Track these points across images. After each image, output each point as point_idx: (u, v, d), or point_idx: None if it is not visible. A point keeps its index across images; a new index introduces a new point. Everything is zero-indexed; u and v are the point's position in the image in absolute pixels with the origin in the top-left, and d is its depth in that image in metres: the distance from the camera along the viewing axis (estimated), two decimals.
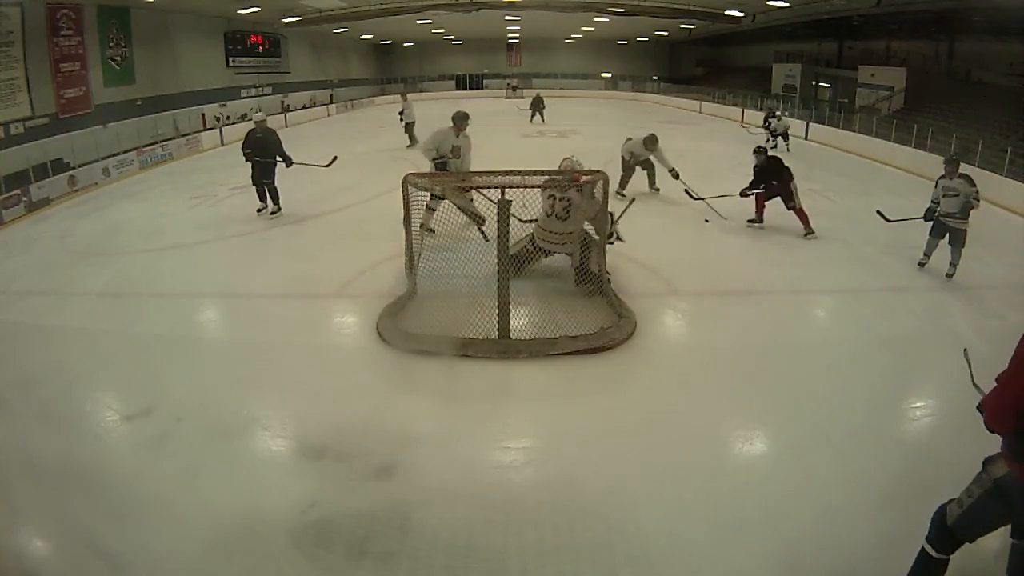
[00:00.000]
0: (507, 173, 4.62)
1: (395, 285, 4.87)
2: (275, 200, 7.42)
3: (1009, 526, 2.11)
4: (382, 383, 3.65)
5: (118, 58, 14.47)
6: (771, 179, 6.71)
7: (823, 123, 15.46)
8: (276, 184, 7.41)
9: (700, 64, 31.06)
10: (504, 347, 3.91)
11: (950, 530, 2.15)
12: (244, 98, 20.69)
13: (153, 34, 15.62)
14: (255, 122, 7.56)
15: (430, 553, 2.36)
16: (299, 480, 2.82)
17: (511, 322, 3.98)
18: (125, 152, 12.16)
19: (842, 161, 12.40)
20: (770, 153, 7.04)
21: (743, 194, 6.74)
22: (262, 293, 5.15)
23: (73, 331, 4.50)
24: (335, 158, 7.92)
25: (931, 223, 5.52)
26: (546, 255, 5.00)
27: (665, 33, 28.77)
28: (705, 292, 4.92)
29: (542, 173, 4.94)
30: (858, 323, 4.50)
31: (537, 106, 17.69)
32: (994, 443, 2.99)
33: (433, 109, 24.78)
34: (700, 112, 22.29)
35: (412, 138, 13.22)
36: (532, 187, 4.56)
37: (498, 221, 3.91)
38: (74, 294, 5.18)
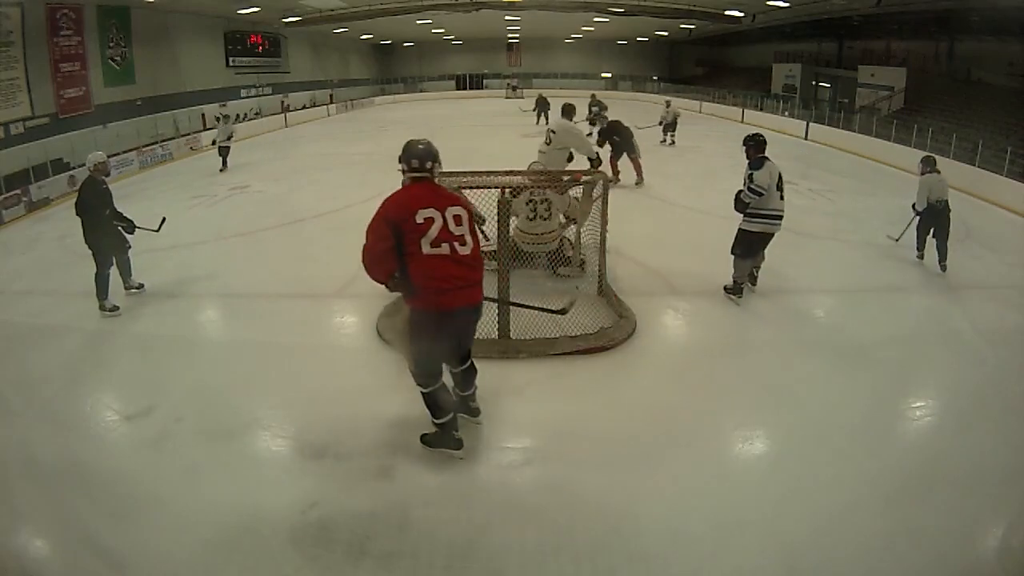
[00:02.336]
0: (507, 173, 4.64)
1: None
2: (127, 274, 5.09)
3: None
4: (382, 383, 3.64)
5: (118, 58, 14.48)
6: (612, 136, 7.89)
7: (823, 123, 15.46)
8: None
9: (700, 64, 31.09)
10: (504, 347, 3.91)
11: (416, 373, 2.69)
12: (244, 98, 20.71)
13: (153, 34, 15.64)
14: (95, 166, 4.81)
15: (430, 553, 2.36)
16: (299, 480, 2.82)
17: (511, 322, 3.98)
18: (125, 152, 12.17)
19: (842, 161, 12.40)
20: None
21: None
22: (262, 293, 5.15)
23: (73, 331, 4.50)
24: (164, 220, 5.50)
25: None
26: (529, 259, 5.01)
27: (665, 33, 28.80)
28: (705, 292, 4.92)
29: (542, 173, 4.96)
30: (858, 323, 4.49)
31: (543, 107, 17.57)
32: (996, 446, 3.01)
33: (433, 109, 24.87)
34: (700, 112, 22.29)
35: (225, 162, 11.32)
36: (533, 187, 4.57)
37: (498, 221, 3.91)
38: (74, 294, 5.18)
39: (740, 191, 4.48)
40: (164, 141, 13.72)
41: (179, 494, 2.71)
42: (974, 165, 9.69)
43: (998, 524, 2.54)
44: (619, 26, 25.21)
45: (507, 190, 3.96)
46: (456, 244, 2.52)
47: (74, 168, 10.76)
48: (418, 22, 24.31)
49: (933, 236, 5.50)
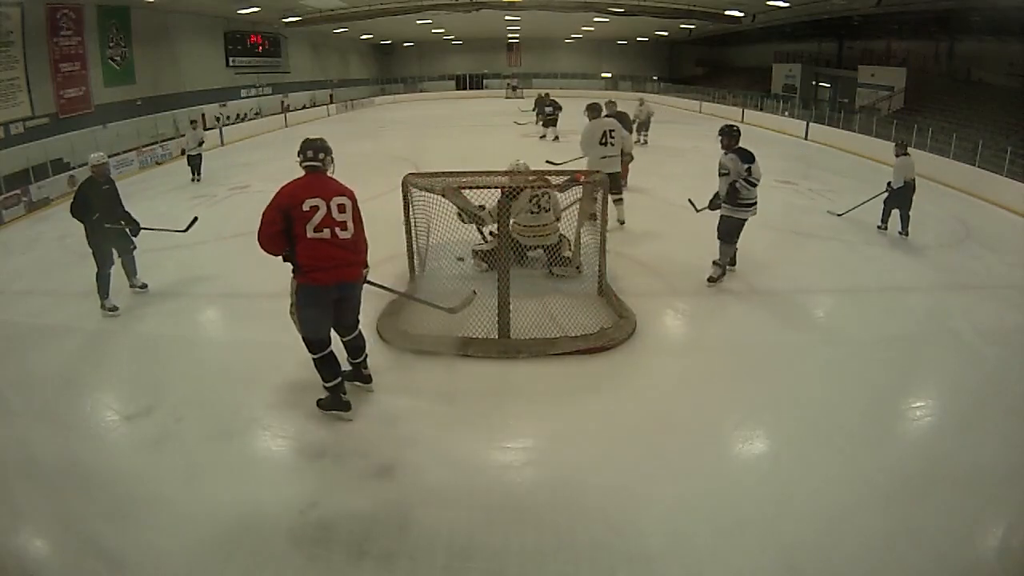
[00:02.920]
0: (507, 173, 4.64)
1: (395, 285, 4.86)
2: (132, 272, 5.13)
3: None
4: (382, 383, 3.64)
5: (118, 58, 14.48)
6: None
7: (823, 123, 15.46)
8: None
9: (700, 64, 31.09)
10: (504, 347, 3.91)
11: (305, 339, 3.11)
12: (244, 98, 20.71)
13: (153, 34, 15.64)
14: (93, 167, 4.84)
15: (430, 553, 2.36)
16: (299, 480, 2.82)
17: (511, 322, 3.98)
18: (125, 152, 12.18)
19: (842, 161, 12.40)
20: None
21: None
22: (262, 293, 5.13)
23: (73, 331, 4.50)
24: (195, 219, 5.45)
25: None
26: (526, 253, 5.03)
27: (665, 33, 28.80)
28: (705, 292, 4.92)
29: (542, 173, 4.96)
30: (858, 323, 4.49)
31: (542, 106, 17.44)
32: (996, 446, 3.01)
33: (433, 109, 24.86)
34: (700, 112, 22.30)
35: (196, 170, 10.58)
36: (533, 187, 4.57)
37: (498, 221, 3.91)
38: (74, 294, 5.18)
39: (735, 182, 4.66)
40: (164, 141, 13.72)
41: (179, 494, 2.71)
42: (974, 165, 9.68)
43: (998, 524, 2.54)
44: (619, 26, 25.21)
45: (506, 190, 3.96)
46: (337, 229, 2.94)
47: (74, 168, 10.78)
48: (418, 22, 24.30)
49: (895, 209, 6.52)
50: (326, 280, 2.96)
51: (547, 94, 15.07)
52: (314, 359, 3.10)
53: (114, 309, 4.76)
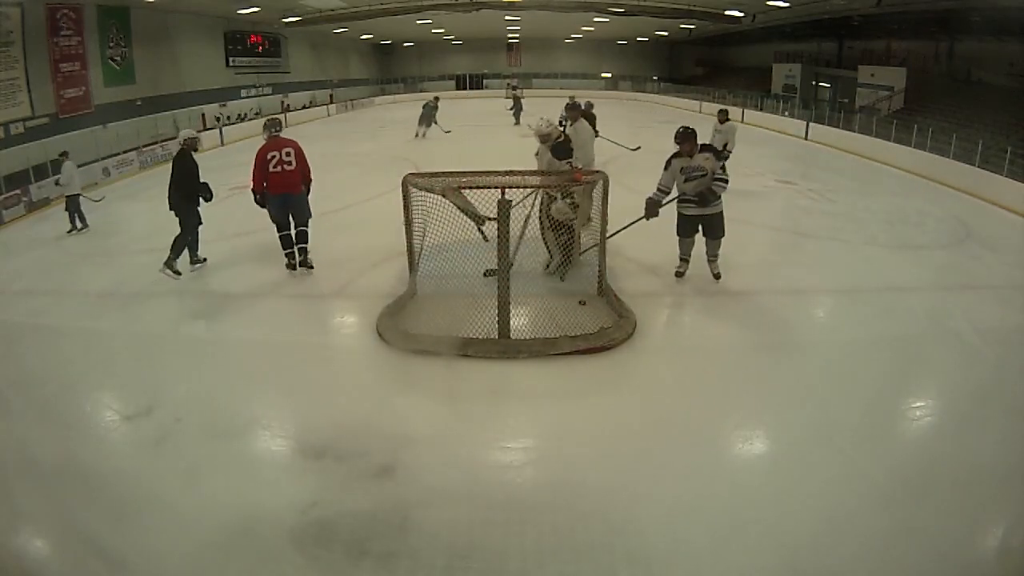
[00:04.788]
0: (507, 173, 4.63)
1: (395, 285, 4.87)
2: (195, 248, 5.66)
3: None
4: (382, 383, 3.65)
5: (118, 58, 14.48)
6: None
7: (823, 123, 15.43)
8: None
9: (700, 64, 31.06)
10: (504, 347, 3.90)
11: (273, 222, 5.40)
12: (244, 98, 20.70)
13: (153, 34, 15.63)
14: (186, 140, 5.55)
15: (430, 553, 2.36)
16: (299, 480, 2.82)
17: (511, 322, 3.98)
18: (125, 152, 12.18)
19: (842, 161, 12.41)
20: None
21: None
22: (262, 293, 5.15)
23: (73, 331, 4.50)
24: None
25: (678, 222, 4.94)
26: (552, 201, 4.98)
27: (665, 33, 28.79)
28: (705, 292, 4.92)
29: (542, 173, 4.95)
30: (858, 323, 4.49)
31: (518, 107, 17.63)
32: (996, 446, 3.01)
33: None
34: (700, 112, 22.27)
35: (77, 218, 7.47)
36: (533, 187, 4.57)
37: (498, 221, 3.91)
38: (74, 294, 5.18)
39: (713, 185, 4.67)
40: (164, 141, 13.70)
41: (179, 494, 2.71)
42: (974, 165, 9.67)
43: (998, 524, 2.54)
44: (619, 26, 25.20)
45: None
46: (284, 165, 5.19)
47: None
48: (418, 22, 24.29)
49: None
50: (273, 192, 5.22)
51: (517, 96, 15.38)
52: (279, 236, 5.34)
53: (203, 261, 5.72)
